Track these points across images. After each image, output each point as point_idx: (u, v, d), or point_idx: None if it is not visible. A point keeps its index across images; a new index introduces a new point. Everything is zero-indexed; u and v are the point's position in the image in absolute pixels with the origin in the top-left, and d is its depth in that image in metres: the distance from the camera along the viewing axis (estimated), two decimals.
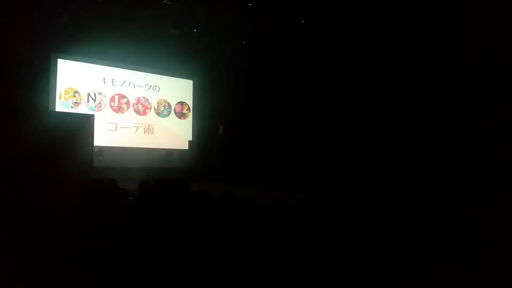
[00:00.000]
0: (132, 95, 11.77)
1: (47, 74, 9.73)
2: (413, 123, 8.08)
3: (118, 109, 11.44)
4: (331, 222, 2.69)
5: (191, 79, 13.01)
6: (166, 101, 12.45)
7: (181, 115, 12.75)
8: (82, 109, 10.56)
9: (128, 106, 11.65)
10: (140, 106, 11.90)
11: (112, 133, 11.22)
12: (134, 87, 11.81)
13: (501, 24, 6.30)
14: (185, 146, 12.56)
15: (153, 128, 12.08)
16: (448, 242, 2.39)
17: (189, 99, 12.97)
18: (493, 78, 6.64)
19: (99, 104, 11.05)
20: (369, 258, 2.23)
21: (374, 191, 7.42)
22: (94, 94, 10.97)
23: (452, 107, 7.27)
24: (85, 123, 8.38)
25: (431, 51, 7.55)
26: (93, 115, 8.92)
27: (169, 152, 12.14)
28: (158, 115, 12.24)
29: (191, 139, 12.77)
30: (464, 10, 6.78)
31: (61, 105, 10.29)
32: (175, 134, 12.51)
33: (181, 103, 12.77)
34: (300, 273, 2.18)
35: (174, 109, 12.60)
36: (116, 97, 11.44)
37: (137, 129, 11.80)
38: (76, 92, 10.63)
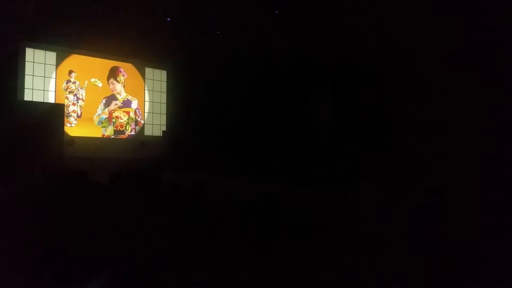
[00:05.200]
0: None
1: (14, 63, 9.43)
2: (386, 116, 8.29)
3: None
4: (300, 211, 2.78)
5: (164, 69, 12.87)
6: None
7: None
8: None
9: None
10: None
11: None
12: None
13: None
14: None
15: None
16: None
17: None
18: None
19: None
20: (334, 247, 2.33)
21: (346, 182, 7.60)
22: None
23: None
24: (55, 112, 8.20)
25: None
26: (63, 104, 8.74)
27: (142, 143, 12.02)
28: None
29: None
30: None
31: None
32: None
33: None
34: (270, 261, 2.27)
35: None
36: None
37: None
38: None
